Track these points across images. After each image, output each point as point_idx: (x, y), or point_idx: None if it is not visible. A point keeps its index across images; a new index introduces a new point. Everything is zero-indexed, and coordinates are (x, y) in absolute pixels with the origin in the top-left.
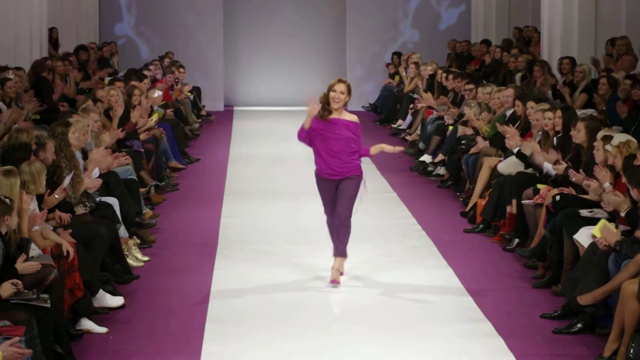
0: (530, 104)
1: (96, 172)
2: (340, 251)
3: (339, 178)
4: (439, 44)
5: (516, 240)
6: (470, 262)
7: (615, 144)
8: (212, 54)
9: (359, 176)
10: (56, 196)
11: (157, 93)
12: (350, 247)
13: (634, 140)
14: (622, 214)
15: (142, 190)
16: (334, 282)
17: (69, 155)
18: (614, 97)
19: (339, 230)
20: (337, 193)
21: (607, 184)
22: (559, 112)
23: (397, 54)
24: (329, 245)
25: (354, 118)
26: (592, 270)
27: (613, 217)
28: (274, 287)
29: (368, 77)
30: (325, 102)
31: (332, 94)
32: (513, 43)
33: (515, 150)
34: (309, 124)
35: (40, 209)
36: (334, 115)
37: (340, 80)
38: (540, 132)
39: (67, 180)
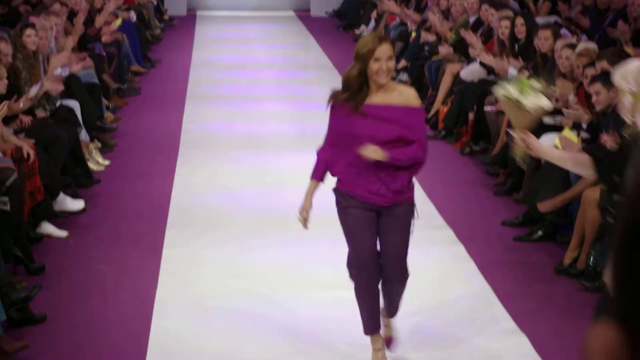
0: (491, 10)
1: (58, 71)
2: (392, 309)
3: (383, 204)
4: None
5: (478, 147)
6: (432, 169)
7: (579, 51)
8: None
9: (411, 202)
10: (21, 105)
11: None
12: (300, 159)
13: (595, 46)
14: (584, 126)
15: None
16: (391, 342)
17: (26, 56)
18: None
19: (392, 283)
20: (382, 227)
21: (571, 96)
22: (520, 19)
23: None
24: (295, 148)
25: (410, 97)
26: (553, 178)
27: (576, 124)
28: (236, 191)
29: None
30: (357, 83)
31: (374, 65)
32: None
33: (478, 59)
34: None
35: None
36: (375, 99)
37: (381, 40)
38: (499, 40)
39: (33, 91)
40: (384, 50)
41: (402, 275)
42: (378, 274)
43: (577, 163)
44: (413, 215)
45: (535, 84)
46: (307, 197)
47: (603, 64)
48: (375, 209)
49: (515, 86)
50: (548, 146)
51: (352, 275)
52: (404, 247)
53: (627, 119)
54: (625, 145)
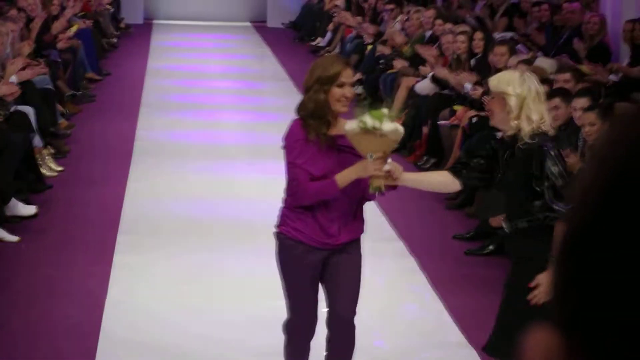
0: (447, 25)
1: (13, 79)
2: None
3: (335, 246)
4: None
5: (432, 161)
6: None
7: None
8: None
9: (359, 239)
10: None
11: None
12: (252, 168)
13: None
14: None
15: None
16: None
17: None
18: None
19: (340, 342)
20: (330, 275)
21: None
22: (479, 34)
23: None
24: (248, 158)
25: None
26: None
27: None
28: (188, 200)
29: None
30: (324, 105)
31: (337, 90)
32: None
33: (429, 75)
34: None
35: None
36: (333, 130)
37: (347, 63)
38: (453, 55)
39: None
40: (349, 74)
41: (351, 322)
42: (313, 334)
43: (435, 182)
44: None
45: (386, 111)
46: (349, 171)
47: (566, 76)
48: (324, 254)
49: (369, 117)
50: (406, 173)
51: (288, 332)
52: (356, 291)
53: (512, 123)
54: (496, 148)
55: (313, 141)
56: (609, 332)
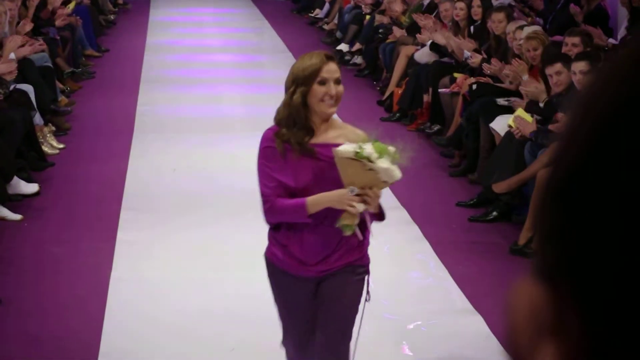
0: None
1: (12, 56)
2: None
3: (325, 273)
4: None
5: (436, 127)
6: None
7: (527, 34)
8: None
9: (363, 267)
10: None
11: None
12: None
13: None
14: (541, 105)
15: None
16: None
17: None
18: None
19: None
20: (322, 305)
21: (525, 77)
22: (477, 1)
23: None
24: (248, 130)
25: (360, 135)
26: (508, 159)
27: (530, 105)
28: (190, 175)
29: None
30: (304, 114)
31: (319, 89)
32: None
33: (428, 43)
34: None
35: None
36: (319, 138)
37: (328, 58)
38: (450, 23)
39: None
40: (332, 69)
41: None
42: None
43: None
44: (363, 284)
45: (392, 149)
46: (322, 197)
47: (575, 40)
48: (314, 280)
49: (370, 145)
50: None
51: (288, 354)
52: (345, 329)
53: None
54: None
55: (287, 150)
56: (600, 277)
